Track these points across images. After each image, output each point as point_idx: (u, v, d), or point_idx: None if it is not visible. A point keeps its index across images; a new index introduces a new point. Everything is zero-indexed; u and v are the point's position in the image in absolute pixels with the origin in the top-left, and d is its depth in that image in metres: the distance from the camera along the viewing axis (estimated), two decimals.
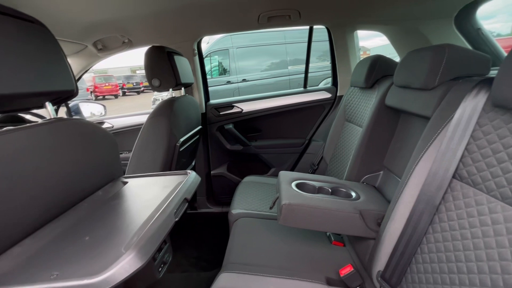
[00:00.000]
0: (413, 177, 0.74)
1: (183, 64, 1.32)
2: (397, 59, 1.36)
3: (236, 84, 5.85)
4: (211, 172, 1.94)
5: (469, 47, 1.35)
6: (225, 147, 1.87)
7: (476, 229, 0.57)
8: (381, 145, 1.11)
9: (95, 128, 0.67)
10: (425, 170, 0.71)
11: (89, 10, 1.09)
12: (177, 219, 0.54)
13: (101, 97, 15.11)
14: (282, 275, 0.90)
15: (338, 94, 1.75)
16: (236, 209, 1.34)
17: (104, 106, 2.27)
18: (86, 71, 1.74)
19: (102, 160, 0.68)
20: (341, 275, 0.89)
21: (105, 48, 1.51)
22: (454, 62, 0.74)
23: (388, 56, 1.22)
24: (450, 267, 0.60)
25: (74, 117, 2.02)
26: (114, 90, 15.56)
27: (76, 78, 1.76)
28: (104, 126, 1.91)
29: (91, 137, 0.64)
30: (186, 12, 1.25)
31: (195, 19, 1.36)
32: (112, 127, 1.93)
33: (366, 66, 1.22)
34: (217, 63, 6.07)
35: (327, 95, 1.76)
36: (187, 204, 0.61)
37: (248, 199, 1.43)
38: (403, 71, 0.92)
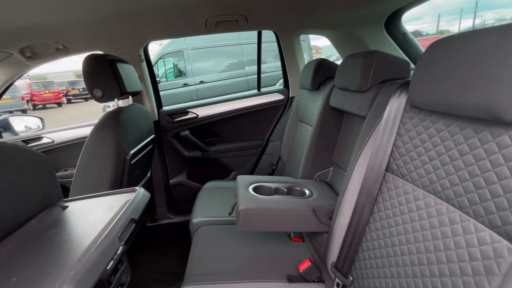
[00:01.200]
0: (355, 172, 0.81)
1: (128, 72, 1.25)
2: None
3: (194, 86, 5.72)
4: (170, 181, 1.88)
5: (399, 49, 1.51)
6: (183, 154, 1.82)
7: (405, 215, 0.64)
8: (329, 143, 1.19)
9: (21, 150, 0.60)
10: (364, 165, 0.78)
11: (13, 12, 0.97)
12: (122, 242, 0.52)
13: (40, 106, 13.48)
14: (244, 280, 0.91)
15: (290, 96, 1.82)
16: (197, 217, 1.32)
17: (41, 118, 2.05)
18: (13, 82, 1.55)
19: (34, 186, 0.62)
20: (300, 271, 0.94)
21: (35, 55, 1.35)
22: (381, 67, 0.83)
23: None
24: (388, 252, 0.67)
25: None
26: (56, 97, 13.97)
27: (0, 90, 1.55)
28: (42, 141, 1.71)
29: (16, 161, 0.57)
30: (129, 17, 1.18)
31: (140, 24, 1.29)
32: (53, 142, 1.74)
33: (311, 70, 1.29)
34: (172, 65, 5.86)
35: (280, 96, 1.83)
36: (134, 225, 0.58)
37: (209, 206, 1.42)
38: (341, 75, 1.00)
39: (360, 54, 0.88)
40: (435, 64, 0.55)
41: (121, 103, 1.53)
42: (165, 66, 5.84)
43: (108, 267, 1.02)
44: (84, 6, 1.01)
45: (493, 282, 0.42)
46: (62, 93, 14.72)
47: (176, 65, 5.89)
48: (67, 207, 0.68)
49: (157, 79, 5.50)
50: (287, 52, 1.74)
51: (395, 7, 1.39)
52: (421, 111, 0.64)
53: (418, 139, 0.64)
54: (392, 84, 0.79)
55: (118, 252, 1.11)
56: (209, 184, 1.68)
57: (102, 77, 1.11)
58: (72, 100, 15.07)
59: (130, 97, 1.42)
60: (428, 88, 0.56)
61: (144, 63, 1.61)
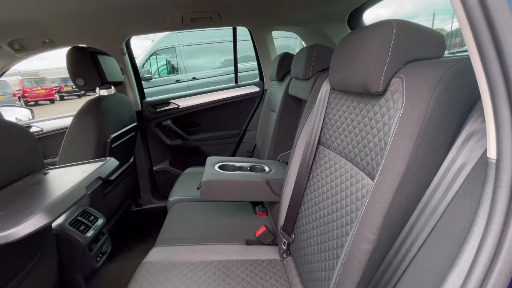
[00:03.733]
0: (297, 147, 0.96)
1: (109, 63, 1.37)
2: None
3: (186, 82, 5.80)
4: (154, 168, 2.01)
5: None
6: (165, 143, 1.95)
7: (328, 177, 0.79)
8: (290, 128, 1.33)
9: (7, 123, 0.73)
10: (304, 141, 0.93)
11: (3, 8, 1.08)
12: (89, 191, 0.65)
13: (32, 103, 13.39)
14: (207, 243, 1.05)
15: (265, 88, 1.96)
16: (174, 197, 1.45)
17: (31, 110, 2.15)
18: (3, 73, 1.65)
19: (18, 155, 0.74)
20: (257, 235, 1.08)
21: (23, 48, 1.47)
22: (321, 58, 0.97)
23: None
24: (318, 208, 0.82)
25: None
26: (48, 94, 13.87)
27: None
28: (31, 130, 1.83)
29: (3, 132, 0.70)
30: (112, 13, 1.30)
31: (122, 20, 1.41)
32: (41, 130, 1.85)
33: (276, 63, 1.43)
34: (164, 62, 5.93)
35: (256, 89, 1.97)
36: (101, 181, 0.71)
37: (186, 188, 1.55)
38: (294, 66, 1.14)
39: (306, 47, 1.02)
40: (340, 54, 0.69)
41: (106, 93, 1.66)
42: (157, 62, 5.90)
43: (89, 235, 1.15)
44: (69, 2, 1.13)
45: (361, 207, 0.57)
46: (55, 89, 14.62)
47: (169, 61, 5.93)
48: (48, 173, 0.81)
49: (149, 75, 5.53)
50: (260, 47, 1.87)
51: (355, 6, 1.53)
52: (339, 92, 0.78)
53: (337, 115, 0.78)
54: (326, 72, 0.93)
55: (98, 224, 1.24)
56: (189, 170, 1.81)
57: (84, 67, 1.23)
58: (65, 97, 14.98)
59: (112, 87, 1.55)
60: (337, 72, 0.71)
61: (127, 57, 1.73)
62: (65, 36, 1.48)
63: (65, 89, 14.86)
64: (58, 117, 1.95)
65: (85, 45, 1.34)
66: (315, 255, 0.76)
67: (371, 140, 0.59)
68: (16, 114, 2.09)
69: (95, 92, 1.38)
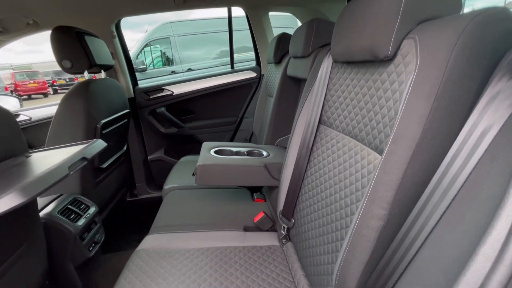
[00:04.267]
0: (297, 128, 0.91)
1: (98, 45, 1.30)
2: None
3: (182, 74, 5.69)
4: (148, 157, 1.95)
5: None
6: (160, 131, 1.89)
7: (329, 157, 0.74)
8: (288, 112, 1.28)
9: None
10: (304, 121, 0.88)
11: None
12: (72, 172, 0.60)
13: (25, 96, 13.14)
14: (203, 229, 1.01)
15: (262, 73, 1.90)
16: (169, 185, 1.40)
17: (19, 98, 2.08)
18: None
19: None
20: (255, 221, 1.04)
21: (5, 30, 1.39)
22: (321, 33, 0.92)
23: None
24: (319, 190, 0.78)
25: None
26: (41, 88, 13.61)
27: None
28: (19, 119, 1.75)
29: None
30: None
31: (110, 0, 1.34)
32: (30, 119, 1.78)
33: (274, 44, 1.37)
34: (159, 53, 5.80)
35: (253, 74, 1.90)
36: (86, 162, 0.66)
37: (181, 176, 1.50)
38: (293, 44, 1.08)
39: (305, 23, 0.96)
40: (343, 22, 0.64)
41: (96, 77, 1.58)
42: (152, 53, 5.77)
43: (80, 224, 1.10)
44: None
45: (368, 183, 0.52)
46: (48, 83, 14.34)
47: (164, 53, 5.81)
48: (30, 155, 0.75)
49: (143, 66, 5.41)
50: (256, 29, 1.80)
51: None
52: (341, 66, 0.73)
53: (340, 90, 0.73)
54: (327, 47, 0.88)
55: (90, 212, 1.19)
56: (184, 158, 1.76)
57: (69, 48, 1.16)
58: (59, 91, 14.70)
59: (102, 72, 1.48)
60: (339, 42, 0.65)
61: (117, 40, 1.65)
62: (50, 17, 1.40)
63: (58, 82, 14.58)
64: (47, 105, 1.88)
65: None
66: (317, 238, 0.73)
67: (378, 112, 0.54)
68: (4, 103, 2.01)
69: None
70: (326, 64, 0.80)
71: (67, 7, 1.35)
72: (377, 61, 0.54)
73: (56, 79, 14.63)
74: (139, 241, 1.70)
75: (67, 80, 14.65)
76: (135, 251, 0.93)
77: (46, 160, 0.69)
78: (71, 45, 1.16)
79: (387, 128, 0.50)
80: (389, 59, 0.50)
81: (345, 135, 0.70)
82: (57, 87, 14.61)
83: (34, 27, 1.42)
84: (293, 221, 0.90)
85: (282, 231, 0.95)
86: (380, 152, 0.52)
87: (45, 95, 13.77)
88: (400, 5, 0.47)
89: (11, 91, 13.01)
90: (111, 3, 1.39)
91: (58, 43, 1.16)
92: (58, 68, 1.20)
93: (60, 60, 1.18)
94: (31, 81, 13.38)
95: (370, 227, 0.44)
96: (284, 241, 0.95)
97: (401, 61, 0.48)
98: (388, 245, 0.44)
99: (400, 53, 0.48)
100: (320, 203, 0.74)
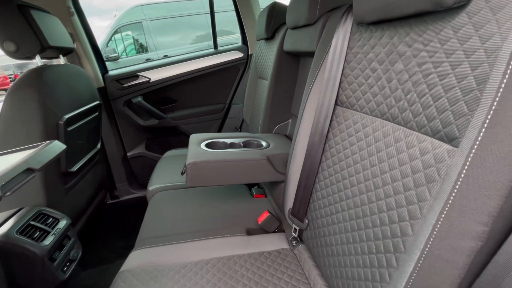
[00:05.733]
0: (305, 113, 0.76)
1: (50, 23, 1.06)
2: None
3: (158, 61, 5.31)
4: (128, 154, 1.74)
5: None
6: (139, 124, 1.68)
7: (354, 146, 0.60)
8: (286, 94, 1.12)
9: None
10: (315, 103, 0.73)
11: None
12: (8, 194, 0.42)
13: None
14: (199, 238, 0.86)
15: (250, 53, 1.71)
16: (153, 185, 1.23)
17: None
18: None
19: None
20: (259, 223, 0.90)
21: None
22: None
23: None
24: (339, 186, 0.64)
25: None
26: (2, 83, 12.42)
27: None
28: None
29: None
30: None
31: None
32: None
33: (265, 16, 1.18)
34: (131, 41, 5.37)
35: (239, 54, 1.71)
36: (33, 174, 0.48)
37: (167, 174, 1.32)
38: (291, 12, 0.91)
39: None
40: None
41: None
42: (123, 40, 5.33)
43: (47, 243, 0.91)
44: None
45: (433, 190, 0.39)
46: (10, 78, 13.15)
47: (137, 39, 5.41)
48: None
49: (115, 54, 5.01)
50: (242, 3, 1.59)
51: None
52: (367, 29, 0.58)
53: (365, 61, 0.58)
54: (340, 10, 0.72)
55: (60, 227, 1.00)
56: (169, 153, 1.57)
57: (11, 26, 0.92)
58: None
59: (61, 57, 1.23)
60: None
61: (76, 18, 1.39)
62: None
63: None
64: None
65: None
66: (343, 245, 0.60)
67: (437, 83, 0.40)
68: None
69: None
70: (343, 30, 0.64)
71: None
72: (437, 11, 0.39)
73: (18, 73, 13.44)
74: (126, 248, 1.53)
75: None
76: (118, 272, 0.76)
77: None
78: (13, 22, 0.92)
79: (460, 105, 0.36)
80: (460, 6, 0.36)
81: (375, 118, 0.55)
82: None
83: None
84: (306, 221, 0.76)
85: (293, 233, 0.82)
86: (445, 139, 0.38)
87: (7, 91, 12.64)
88: None
89: None
90: None
91: None
92: (20, 61, 0.96)
93: (1, 42, 0.93)
94: None
95: (459, 249, 0.31)
96: (294, 243, 0.83)
97: (483, 5, 0.33)
98: (480, 271, 0.31)
99: None
100: (345, 202, 0.61)
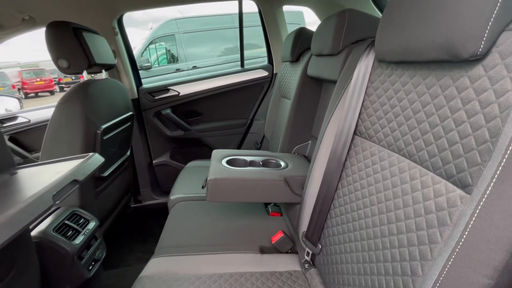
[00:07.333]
0: (325, 138, 0.78)
1: (98, 43, 1.18)
2: None
3: (187, 71, 5.59)
4: (153, 162, 1.84)
5: None
6: (165, 134, 1.78)
7: (370, 178, 0.62)
8: (308, 116, 1.15)
9: None
10: (334, 130, 0.75)
11: None
12: (58, 202, 0.48)
13: (32, 94, 13.22)
14: (215, 251, 0.89)
15: (274, 72, 1.77)
16: (175, 194, 1.29)
17: (19, 99, 1.99)
18: None
19: None
20: (273, 242, 0.92)
21: (0, 27, 1.28)
22: (354, 26, 0.78)
23: None
24: (354, 216, 0.65)
25: None
26: (48, 86, 13.67)
27: None
28: (18, 121, 1.66)
29: None
30: None
31: None
32: (29, 121, 1.68)
33: (291, 40, 1.23)
34: (164, 51, 5.71)
35: (264, 73, 1.77)
36: (77, 185, 0.55)
37: (189, 184, 1.39)
38: (316, 40, 0.95)
39: (334, 15, 0.83)
40: (398, 12, 0.50)
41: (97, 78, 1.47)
42: (156, 51, 5.69)
43: (78, 242, 1.00)
44: None
45: (444, 234, 0.40)
46: (54, 81, 14.40)
47: (169, 50, 5.74)
48: (16, 173, 0.64)
49: (148, 64, 5.35)
50: (270, 25, 1.66)
51: None
52: (388, 66, 0.60)
53: (385, 96, 0.60)
54: (364, 43, 0.74)
55: (90, 227, 1.09)
56: (191, 164, 1.64)
57: (66, 46, 1.05)
58: (65, 88, 14.74)
59: (104, 72, 1.36)
60: (392, 36, 0.52)
61: (119, 37, 1.53)
62: (46, 12, 1.29)
63: (65, 80, 14.65)
64: (48, 106, 1.78)
65: None
66: (354, 276, 0.60)
67: (452, 129, 0.41)
68: (2, 104, 1.91)
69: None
70: (365, 63, 0.67)
71: (65, 1, 1.23)
72: (453, 61, 0.40)
73: (62, 77, 14.68)
74: (144, 252, 1.59)
75: (73, 78, 14.70)
76: (138, 277, 0.81)
77: (31, 182, 0.58)
78: (68, 43, 1.04)
79: (473, 154, 0.37)
80: (476, 59, 0.37)
81: (392, 152, 0.56)
82: (63, 85, 14.68)
83: (30, 23, 1.31)
84: (320, 246, 0.77)
85: (306, 256, 0.83)
86: (459, 184, 0.39)
87: (52, 92, 13.84)
88: None
89: (19, 89, 13.10)
90: None
91: (54, 40, 1.05)
92: None
93: (56, 59, 1.06)
94: (38, 79, 13.45)
95: None
96: (306, 266, 0.83)
97: (499, 61, 0.35)
98: None
99: (498, 49, 0.35)
100: (359, 232, 0.62)
